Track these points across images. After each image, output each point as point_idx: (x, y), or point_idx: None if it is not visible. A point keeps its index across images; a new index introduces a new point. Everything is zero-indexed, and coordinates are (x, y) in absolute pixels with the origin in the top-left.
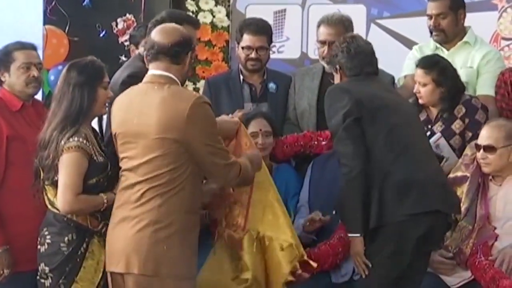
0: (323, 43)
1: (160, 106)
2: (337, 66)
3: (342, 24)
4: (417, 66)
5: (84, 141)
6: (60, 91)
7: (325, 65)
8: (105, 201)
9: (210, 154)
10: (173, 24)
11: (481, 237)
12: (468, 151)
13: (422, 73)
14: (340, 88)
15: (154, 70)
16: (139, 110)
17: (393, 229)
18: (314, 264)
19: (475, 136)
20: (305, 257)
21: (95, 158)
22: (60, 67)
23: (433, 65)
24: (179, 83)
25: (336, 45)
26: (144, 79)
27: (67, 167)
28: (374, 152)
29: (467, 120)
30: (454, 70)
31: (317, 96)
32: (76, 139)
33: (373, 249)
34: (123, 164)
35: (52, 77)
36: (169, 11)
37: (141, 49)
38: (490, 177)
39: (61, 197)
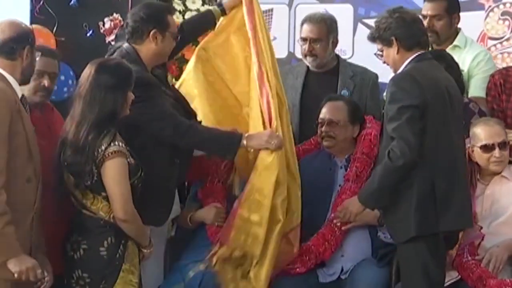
0: (304, 40)
1: None
2: (392, 38)
3: (324, 23)
4: None
5: (122, 144)
6: (89, 93)
7: (308, 63)
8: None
9: None
10: (8, 20)
11: (467, 237)
12: None
13: None
14: (410, 77)
15: None
16: None
17: (430, 240)
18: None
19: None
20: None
21: (129, 160)
22: None
23: (441, 57)
24: (10, 78)
25: (386, 17)
26: None
27: (119, 175)
28: (425, 155)
29: (463, 123)
30: (458, 67)
31: (300, 94)
32: (116, 143)
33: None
34: None
35: None
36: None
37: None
38: (478, 177)
39: (121, 206)
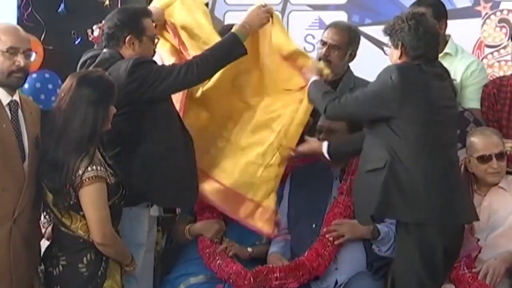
0: (324, 43)
1: None
2: (399, 42)
3: (348, 32)
4: None
5: (100, 168)
6: (70, 107)
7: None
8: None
9: None
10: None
11: (464, 249)
12: None
13: None
14: (401, 73)
15: None
16: None
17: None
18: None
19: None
20: None
21: (109, 181)
22: (34, 75)
23: None
24: None
25: (402, 19)
26: None
27: (96, 201)
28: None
29: (457, 132)
30: (449, 75)
31: None
32: (94, 167)
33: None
34: None
35: (26, 85)
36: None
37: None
38: (475, 187)
39: (98, 230)
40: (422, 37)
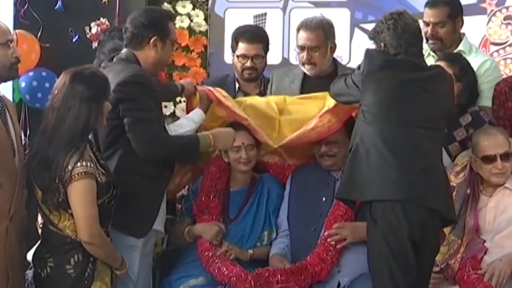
0: (302, 48)
1: None
2: (382, 44)
3: (322, 28)
4: (440, 59)
5: (90, 164)
6: (64, 105)
7: (306, 71)
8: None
9: None
10: None
11: (469, 250)
12: (458, 161)
13: (445, 65)
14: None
15: None
16: None
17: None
18: None
19: None
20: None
21: (99, 179)
22: (31, 74)
23: (456, 59)
24: None
25: (382, 21)
26: None
27: (84, 197)
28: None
29: (471, 130)
30: (474, 71)
31: None
32: (84, 163)
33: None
34: None
35: (23, 84)
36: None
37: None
38: (481, 188)
39: (86, 228)
40: (401, 35)
